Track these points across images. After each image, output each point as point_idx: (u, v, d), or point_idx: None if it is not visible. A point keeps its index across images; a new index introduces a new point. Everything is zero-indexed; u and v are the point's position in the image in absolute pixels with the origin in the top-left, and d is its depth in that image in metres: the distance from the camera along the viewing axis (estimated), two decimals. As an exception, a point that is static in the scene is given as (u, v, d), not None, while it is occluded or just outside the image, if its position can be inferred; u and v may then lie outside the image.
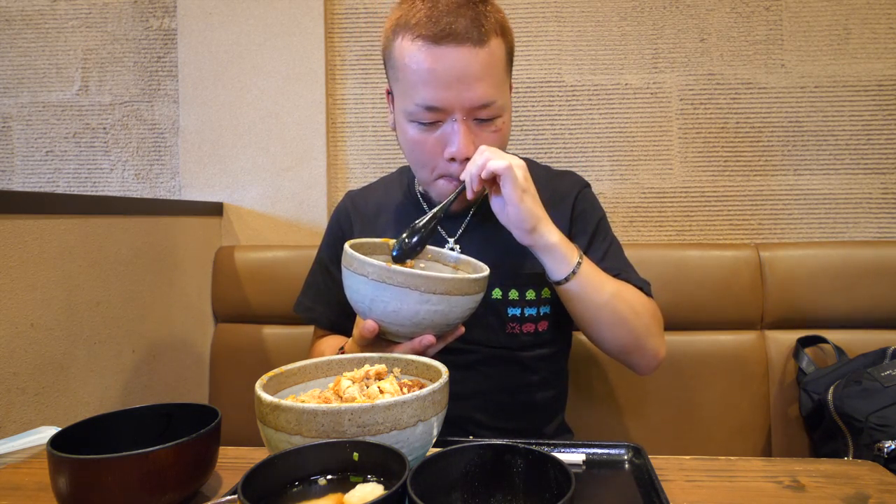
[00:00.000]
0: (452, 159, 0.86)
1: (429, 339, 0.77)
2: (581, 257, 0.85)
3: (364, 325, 0.77)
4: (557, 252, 0.83)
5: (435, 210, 0.86)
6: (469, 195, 0.82)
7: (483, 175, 0.79)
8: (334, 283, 0.86)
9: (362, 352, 0.82)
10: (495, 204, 0.83)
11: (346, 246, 0.78)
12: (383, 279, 0.73)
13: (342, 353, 0.90)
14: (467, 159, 0.85)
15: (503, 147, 0.90)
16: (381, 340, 0.80)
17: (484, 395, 0.95)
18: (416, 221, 0.86)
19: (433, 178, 0.91)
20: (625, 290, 0.90)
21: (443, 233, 0.99)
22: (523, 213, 0.80)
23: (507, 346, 0.95)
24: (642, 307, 0.91)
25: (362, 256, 0.74)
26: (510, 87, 0.93)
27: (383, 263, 0.73)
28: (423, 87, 0.84)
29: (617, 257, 0.99)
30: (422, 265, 0.89)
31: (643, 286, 0.96)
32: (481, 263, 0.86)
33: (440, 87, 0.83)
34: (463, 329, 0.82)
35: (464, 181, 0.83)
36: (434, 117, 0.86)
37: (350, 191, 1.14)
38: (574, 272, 0.84)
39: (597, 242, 0.98)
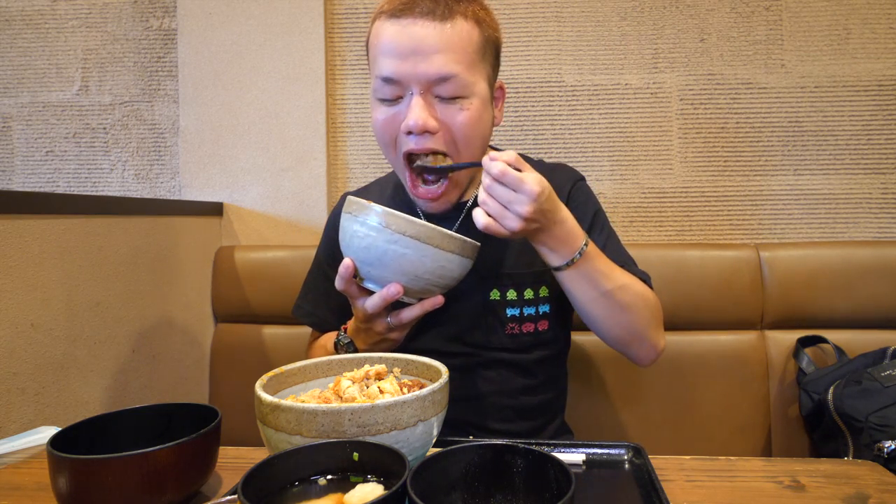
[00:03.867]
0: (410, 132, 0.84)
1: (396, 287, 0.76)
2: (585, 245, 0.81)
3: (343, 263, 0.79)
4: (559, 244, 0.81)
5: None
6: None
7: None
8: (333, 286, 0.85)
9: (365, 325, 0.84)
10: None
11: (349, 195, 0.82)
12: (358, 213, 0.76)
13: (344, 329, 0.91)
14: (426, 132, 0.83)
15: (475, 133, 0.87)
16: (384, 311, 0.81)
17: (484, 399, 0.95)
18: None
19: (397, 157, 0.89)
20: (631, 281, 0.88)
21: None
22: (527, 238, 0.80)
23: (507, 347, 0.95)
24: (645, 300, 0.90)
25: (352, 197, 0.78)
26: (492, 79, 0.91)
27: (363, 200, 0.76)
28: (382, 60, 0.84)
29: (616, 250, 0.98)
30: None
31: (646, 279, 0.95)
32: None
33: (396, 58, 0.83)
34: (442, 299, 0.81)
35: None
36: (393, 92, 0.85)
37: (346, 192, 1.14)
38: (574, 260, 0.80)
39: (594, 235, 0.98)
